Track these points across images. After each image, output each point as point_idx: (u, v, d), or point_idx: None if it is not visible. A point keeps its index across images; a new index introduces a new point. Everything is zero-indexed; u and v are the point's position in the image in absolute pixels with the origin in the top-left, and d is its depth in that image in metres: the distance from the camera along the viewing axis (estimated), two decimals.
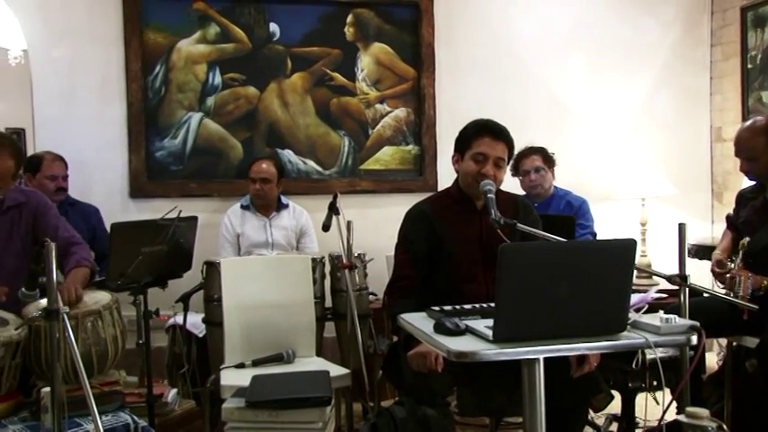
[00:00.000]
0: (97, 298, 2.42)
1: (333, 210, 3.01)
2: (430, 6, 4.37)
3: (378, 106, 4.37)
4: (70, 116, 3.95)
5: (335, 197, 3.04)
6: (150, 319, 2.81)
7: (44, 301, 1.91)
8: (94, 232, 3.62)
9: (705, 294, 2.41)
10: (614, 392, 2.73)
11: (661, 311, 1.96)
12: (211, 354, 3.20)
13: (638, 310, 2.43)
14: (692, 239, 3.79)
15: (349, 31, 4.32)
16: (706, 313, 2.25)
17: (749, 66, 4.41)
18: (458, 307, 1.95)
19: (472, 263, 2.41)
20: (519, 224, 2.23)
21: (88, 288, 2.52)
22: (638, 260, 3.71)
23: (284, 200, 3.92)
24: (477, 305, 1.97)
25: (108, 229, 3.08)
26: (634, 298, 2.93)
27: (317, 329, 3.16)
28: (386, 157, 4.40)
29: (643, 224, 4.29)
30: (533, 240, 2.23)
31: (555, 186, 3.81)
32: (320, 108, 4.30)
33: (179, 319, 3.33)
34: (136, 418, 2.23)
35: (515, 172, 3.74)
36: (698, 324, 1.75)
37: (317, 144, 4.30)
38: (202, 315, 3.27)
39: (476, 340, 1.70)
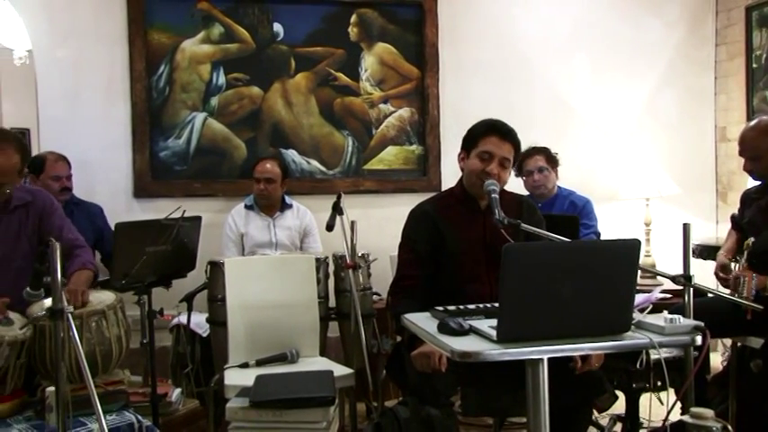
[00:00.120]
0: (101, 298, 2.42)
1: (336, 210, 3.01)
2: (434, 6, 4.37)
3: (381, 106, 4.37)
4: (75, 116, 3.95)
5: (339, 197, 3.04)
6: (154, 318, 2.82)
7: (49, 301, 1.92)
8: (101, 232, 3.63)
9: (709, 294, 2.40)
10: (618, 393, 2.72)
11: (665, 312, 1.96)
12: (215, 353, 3.20)
13: (642, 311, 2.43)
14: (696, 239, 3.77)
15: (353, 31, 4.32)
16: (710, 313, 2.24)
17: (754, 65, 4.40)
18: (461, 307, 1.95)
19: (476, 263, 2.41)
20: (523, 224, 2.23)
21: (92, 288, 2.53)
22: (642, 260, 3.70)
23: (288, 200, 3.92)
24: (480, 305, 1.97)
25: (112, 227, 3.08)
26: (638, 298, 2.94)
27: (321, 329, 3.17)
28: (389, 157, 4.40)
29: (647, 224, 4.29)
30: (537, 240, 2.23)
31: (558, 186, 3.81)
32: (324, 108, 4.30)
33: (183, 318, 3.33)
34: (140, 417, 2.24)
35: (518, 172, 3.74)
36: (702, 324, 1.75)
37: (320, 144, 4.31)
38: (206, 315, 3.27)
39: (480, 340, 1.70)
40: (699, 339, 1.74)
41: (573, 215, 3.54)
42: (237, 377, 2.76)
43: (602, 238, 3.68)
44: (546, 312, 1.66)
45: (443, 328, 1.77)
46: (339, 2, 4.28)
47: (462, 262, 2.42)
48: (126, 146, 4.03)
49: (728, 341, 3.22)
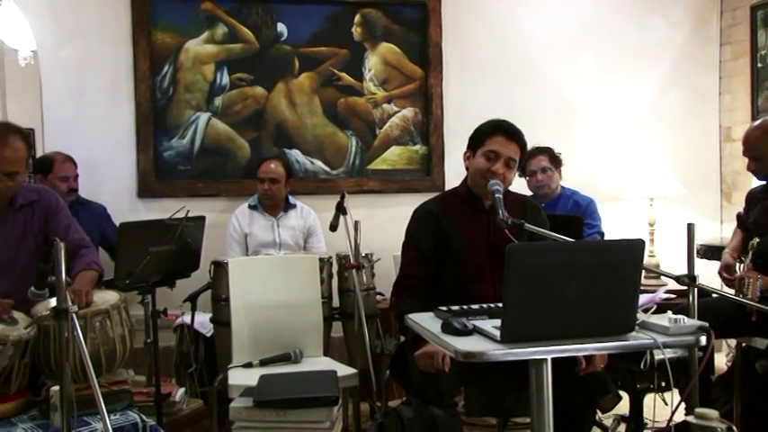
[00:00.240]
0: (105, 297, 2.43)
1: (340, 210, 3.02)
2: (437, 6, 4.36)
3: (385, 106, 4.37)
4: (79, 116, 3.96)
5: (343, 197, 3.04)
6: (158, 318, 2.82)
7: (53, 301, 1.92)
8: (106, 232, 3.64)
9: (714, 295, 2.40)
10: (622, 393, 2.72)
11: (669, 312, 1.95)
12: (219, 353, 3.20)
13: (646, 311, 2.42)
14: (700, 240, 3.77)
15: (356, 31, 4.32)
16: (715, 314, 2.24)
17: (759, 65, 4.39)
18: (465, 307, 1.95)
19: (479, 262, 2.41)
20: (526, 224, 2.22)
21: (96, 288, 2.53)
22: (646, 260, 3.70)
23: (292, 200, 3.93)
24: (484, 305, 1.97)
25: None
26: (642, 298, 2.92)
27: (325, 329, 3.17)
28: (393, 156, 4.40)
29: (651, 224, 4.28)
30: (541, 240, 2.22)
31: (562, 186, 3.81)
32: (328, 108, 4.30)
33: (187, 318, 3.34)
34: (144, 417, 2.24)
35: (522, 172, 3.73)
36: (707, 325, 1.74)
37: (324, 144, 4.31)
38: (210, 314, 3.27)
39: (483, 340, 1.70)
40: (703, 340, 1.73)
41: (577, 215, 3.53)
42: (241, 377, 2.76)
43: (606, 238, 3.67)
44: (550, 313, 1.66)
45: (447, 328, 1.76)
46: (343, 2, 4.28)
47: (466, 261, 2.42)
48: (130, 146, 4.04)
49: (733, 342, 3.21)
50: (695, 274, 2.21)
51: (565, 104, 4.53)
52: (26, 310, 2.32)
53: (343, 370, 2.85)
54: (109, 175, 4.00)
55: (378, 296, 3.46)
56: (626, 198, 4.40)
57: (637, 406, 2.80)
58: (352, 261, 3.05)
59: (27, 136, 2.59)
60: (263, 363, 2.91)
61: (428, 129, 4.40)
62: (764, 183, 2.89)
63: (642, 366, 2.56)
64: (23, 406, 2.22)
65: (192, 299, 3.31)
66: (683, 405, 2.11)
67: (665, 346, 1.71)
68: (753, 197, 2.96)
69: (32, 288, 2.18)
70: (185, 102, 4.13)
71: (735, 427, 1.93)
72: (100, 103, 4.01)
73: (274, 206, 3.86)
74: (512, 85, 4.44)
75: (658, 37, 4.64)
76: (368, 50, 4.34)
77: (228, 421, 2.62)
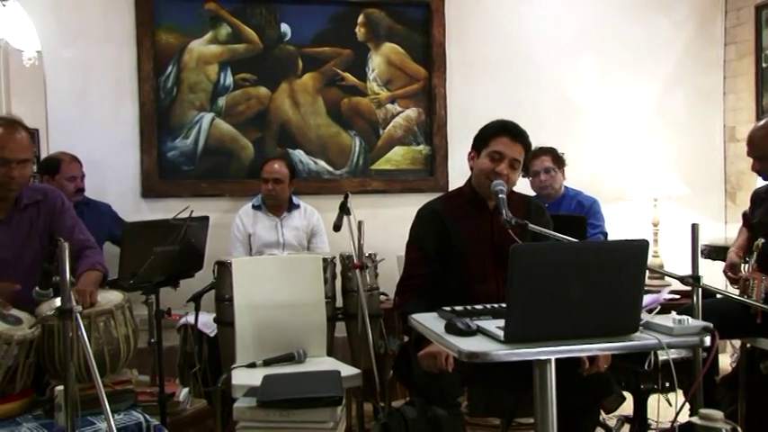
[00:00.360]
0: (109, 297, 2.43)
1: (344, 210, 3.02)
2: (441, 6, 4.36)
3: (389, 106, 4.37)
4: (83, 117, 3.97)
5: (346, 197, 3.04)
6: (162, 318, 2.83)
7: (57, 301, 1.93)
8: (112, 231, 3.64)
9: (718, 295, 2.39)
10: (626, 394, 2.71)
11: (674, 312, 1.95)
12: (223, 353, 3.21)
13: (650, 311, 2.43)
14: (704, 240, 3.76)
15: (360, 32, 4.32)
16: (719, 314, 2.23)
17: (763, 65, 4.38)
18: (469, 307, 1.95)
19: (483, 263, 2.41)
20: (530, 224, 2.22)
21: (100, 288, 2.53)
22: (650, 261, 3.69)
23: (296, 200, 3.93)
24: (488, 305, 1.97)
25: None
26: (646, 299, 2.92)
27: (328, 329, 3.17)
28: (397, 157, 4.40)
29: (655, 224, 4.27)
30: (544, 241, 2.22)
31: (565, 186, 3.80)
32: (331, 108, 4.30)
33: (190, 318, 3.34)
34: (148, 416, 2.24)
35: (525, 173, 3.71)
36: (711, 325, 1.74)
37: (327, 144, 4.31)
38: (214, 315, 3.27)
39: (487, 341, 1.70)
40: (707, 340, 1.73)
41: (580, 215, 3.53)
42: (245, 377, 2.76)
43: (610, 238, 3.66)
44: (553, 313, 1.66)
45: (450, 329, 1.76)
46: (346, 2, 4.28)
47: (469, 261, 2.42)
48: (134, 146, 4.05)
49: (737, 342, 3.20)
50: (699, 274, 2.20)
51: (568, 104, 4.52)
52: (30, 310, 2.33)
53: (347, 370, 2.85)
54: (113, 176, 4.00)
55: (381, 296, 3.46)
56: (630, 198, 4.39)
57: (641, 407, 2.80)
58: (355, 261, 3.05)
59: (27, 127, 2.61)
60: (267, 363, 2.91)
61: (431, 129, 4.40)
62: None
63: (646, 367, 2.56)
64: (28, 405, 2.22)
65: (196, 299, 3.31)
66: (687, 406, 2.10)
67: (670, 346, 1.71)
68: (758, 197, 2.95)
69: (37, 288, 2.18)
70: (189, 102, 4.14)
71: (739, 428, 1.92)
72: (104, 103, 4.02)
73: (278, 206, 3.86)
74: (515, 84, 4.44)
75: (662, 36, 4.63)
76: (371, 50, 4.34)
77: (232, 421, 2.62)
